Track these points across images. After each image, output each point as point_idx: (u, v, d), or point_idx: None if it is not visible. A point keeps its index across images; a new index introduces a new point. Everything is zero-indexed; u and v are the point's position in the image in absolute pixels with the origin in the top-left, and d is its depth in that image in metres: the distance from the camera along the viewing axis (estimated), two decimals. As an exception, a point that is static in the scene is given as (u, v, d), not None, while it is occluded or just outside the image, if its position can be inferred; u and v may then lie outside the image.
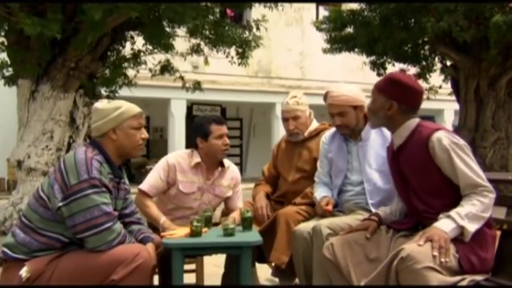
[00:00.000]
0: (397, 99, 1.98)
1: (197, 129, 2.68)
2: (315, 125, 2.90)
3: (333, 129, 2.65)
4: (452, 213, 1.83)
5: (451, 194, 1.92)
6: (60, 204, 1.87)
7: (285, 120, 2.85)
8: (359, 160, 2.48)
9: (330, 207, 2.39)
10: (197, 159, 2.65)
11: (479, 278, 1.81)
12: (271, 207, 2.80)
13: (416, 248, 1.75)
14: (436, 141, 1.90)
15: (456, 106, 8.72)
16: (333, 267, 1.99)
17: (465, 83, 7.67)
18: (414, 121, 2.01)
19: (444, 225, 1.81)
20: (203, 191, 2.68)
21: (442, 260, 1.71)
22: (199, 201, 2.68)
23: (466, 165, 1.87)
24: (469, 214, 1.81)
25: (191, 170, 2.65)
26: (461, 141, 1.92)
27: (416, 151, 1.95)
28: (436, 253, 1.71)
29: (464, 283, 1.74)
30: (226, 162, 2.77)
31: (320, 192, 2.53)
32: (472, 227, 1.81)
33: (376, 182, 2.40)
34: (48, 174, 2.00)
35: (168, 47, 6.33)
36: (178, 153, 2.74)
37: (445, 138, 1.90)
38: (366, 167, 2.44)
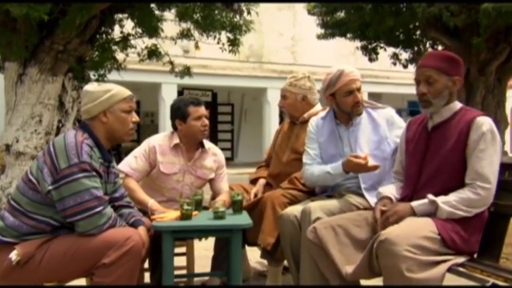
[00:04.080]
0: (459, 74, 2.01)
1: (175, 112, 2.71)
2: (317, 108, 2.88)
3: (321, 115, 2.62)
4: (430, 195, 1.87)
5: (457, 176, 1.92)
6: (50, 187, 1.86)
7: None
8: (350, 145, 2.47)
9: (367, 159, 2.23)
10: (176, 140, 2.70)
11: (461, 260, 1.84)
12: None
13: (394, 230, 1.76)
14: (479, 123, 1.91)
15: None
16: (317, 250, 2.01)
17: (455, 68, 7.69)
18: (458, 104, 2.03)
19: (416, 202, 1.88)
20: (184, 172, 2.71)
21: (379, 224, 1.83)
22: (181, 183, 2.71)
23: (486, 153, 1.87)
24: (448, 203, 1.84)
25: (171, 151, 2.70)
26: (498, 135, 1.93)
27: (456, 131, 1.95)
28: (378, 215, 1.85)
29: (446, 266, 1.77)
30: (207, 144, 2.80)
31: (324, 166, 2.41)
32: (445, 211, 1.83)
33: None
34: (37, 157, 1.98)
35: (155, 30, 6.24)
36: (159, 136, 2.80)
37: (488, 124, 1.91)
38: (358, 152, 2.42)
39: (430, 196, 1.86)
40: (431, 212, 1.87)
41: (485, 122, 1.91)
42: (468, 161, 1.90)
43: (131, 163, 2.67)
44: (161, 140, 2.73)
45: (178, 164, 2.70)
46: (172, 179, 2.69)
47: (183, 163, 2.71)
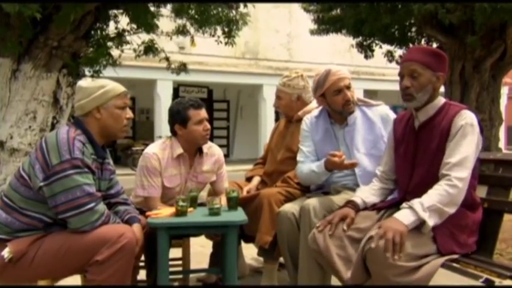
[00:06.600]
0: (443, 71, 1.98)
1: (174, 116, 2.52)
2: (312, 105, 2.82)
3: (314, 113, 2.60)
4: (416, 203, 1.79)
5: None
6: (42, 184, 1.85)
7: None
8: (346, 145, 2.45)
9: (343, 158, 2.20)
10: (179, 150, 2.54)
11: (455, 256, 1.83)
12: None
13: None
14: (459, 116, 1.90)
15: (441, 88, 8.83)
16: (321, 257, 1.99)
17: (451, 65, 7.72)
18: (441, 99, 2.01)
19: (404, 217, 1.78)
20: (186, 180, 2.62)
21: (396, 257, 1.67)
22: (183, 190, 2.61)
23: (462, 145, 1.86)
24: (432, 207, 1.78)
25: (173, 162, 2.55)
26: (477, 129, 1.91)
27: (440, 128, 1.93)
28: (388, 254, 1.68)
29: (438, 264, 1.75)
30: (205, 146, 2.67)
31: (311, 165, 2.41)
32: (432, 221, 1.79)
33: (367, 166, 2.39)
34: (29, 154, 1.96)
35: (151, 27, 6.21)
36: (156, 147, 2.57)
37: (468, 117, 1.90)
38: (355, 152, 2.41)
39: (418, 211, 1.78)
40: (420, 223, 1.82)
41: (465, 115, 1.90)
42: (445, 152, 1.88)
43: (144, 184, 2.50)
44: (161, 151, 2.53)
45: (180, 174, 2.58)
46: (175, 190, 2.59)
47: (184, 172, 2.59)
